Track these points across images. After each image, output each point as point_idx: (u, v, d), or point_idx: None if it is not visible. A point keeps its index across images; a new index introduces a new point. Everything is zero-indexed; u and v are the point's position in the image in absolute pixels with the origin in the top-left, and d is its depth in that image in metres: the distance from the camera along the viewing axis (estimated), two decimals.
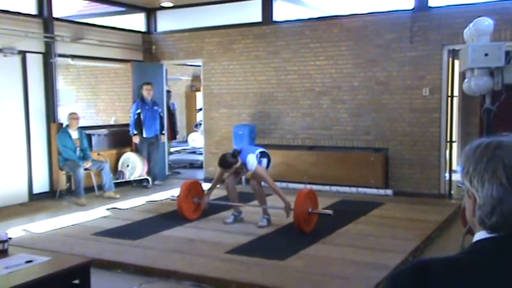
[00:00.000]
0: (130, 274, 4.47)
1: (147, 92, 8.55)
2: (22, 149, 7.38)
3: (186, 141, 14.25)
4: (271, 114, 8.56)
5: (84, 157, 7.55)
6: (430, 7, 7.36)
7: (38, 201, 7.37)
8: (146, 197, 7.62)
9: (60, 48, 7.83)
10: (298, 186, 8.02)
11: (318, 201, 5.75)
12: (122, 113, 10.16)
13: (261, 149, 6.00)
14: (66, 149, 7.42)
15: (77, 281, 3.41)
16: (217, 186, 6.13)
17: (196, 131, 13.61)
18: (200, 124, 11.38)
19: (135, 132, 8.48)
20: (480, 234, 1.08)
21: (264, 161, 5.85)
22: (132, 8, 9.54)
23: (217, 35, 8.92)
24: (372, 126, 7.77)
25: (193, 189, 6.18)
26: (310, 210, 5.51)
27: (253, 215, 6.14)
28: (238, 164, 5.70)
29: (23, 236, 5.50)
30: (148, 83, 8.63)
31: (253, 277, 4.19)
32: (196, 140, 13.02)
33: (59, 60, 7.84)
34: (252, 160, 5.68)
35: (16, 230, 5.67)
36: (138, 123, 8.49)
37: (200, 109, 11.56)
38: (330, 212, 5.71)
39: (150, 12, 9.62)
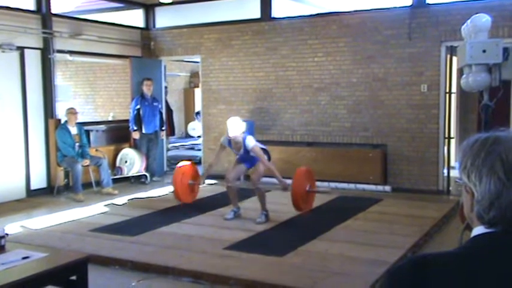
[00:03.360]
0: (128, 270, 4.47)
1: (147, 88, 8.53)
2: (20, 145, 7.36)
3: (185, 137, 14.24)
4: (270, 111, 8.55)
5: (83, 154, 7.53)
6: (428, 4, 7.35)
7: (35, 197, 7.35)
8: (144, 193, 7.61)
9: (58, 44, 7.81)
10: None
11: (315, 180, 5.74)
12: (120, 109, 10.15)
13: (262, 146, 5.99)
14: (65, 145, 7.40)
15: (74, 277, 3.41)
16: (216, 165, 6.14)
17: (196, 119, 13.52)
18: (199, 113, 11.36)
19: (135, 127, 8.46)
20: (478, 229, 1.08)
21: (265, 157, 5.84)
22: (131, 4, 9.51)
23: (215, 31, 8.89)
24: (371, 122, 7.77)
25: (187, 172, 6.18)
26: (307, 188, 5.53)
27: (252, 212, 6.14)
28: (240, 138, 5.65)
29: (20, 232, 5.49)
30: (148, 79, 8.62)
31: (251, 273, 4.19)
32: (197, 128, 12.93)
33: (57, 56, 7.82)
34: (251, 139, 5.69)
35: (13, 226, 5.66)
36: (138, 119, 8.48)
37: (198, 112, 11.53)
38: (328, 190, 5.77)
39: (149, 8, 9.59)
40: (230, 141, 5.81)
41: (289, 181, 5.64)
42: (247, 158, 5.87)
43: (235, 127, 5.62)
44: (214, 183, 8.30)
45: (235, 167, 6.00)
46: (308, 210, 5.60)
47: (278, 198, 6.67)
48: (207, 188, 8.01)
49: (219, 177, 8.37)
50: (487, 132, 1.10)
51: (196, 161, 10.49)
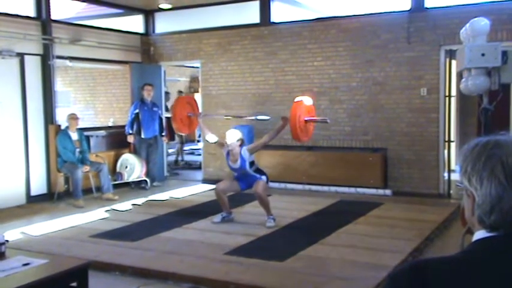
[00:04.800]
0: (129, 276, 4.46)
1: (147, 93, 8.54)
2: (20, 151, 7.36)
3: (185, 142, 14.28)
4: (270, 115, 8.54)
5: (83, 160, 7.53)
6: (426, 8, 7.37)
7: (35, 204, 7.34)
8: (145, 199, 7.60)
9: (58, 50, 7.82)
10: (296, 187, 8.03)
11: (314, 111, 5.91)
12: (120, 115, 10.16)
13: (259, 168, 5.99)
14: (66, 150, 7.40)
15: (74, 284, 3.40)
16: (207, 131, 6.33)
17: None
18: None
19: (131, 131, 8.46)
20: (479, 234, 1.08)
21: (264, 177, 5.84)
22: (131, 10, 9.53)
23: (215, 36, 8.91)
24: (370, 126, 7.77)
25: (187, 103, 6.40)
26: (306, 119, 5.63)
27: (251, 216, 6.14)
28: (237, 149, 5.71)
29: (20, 239, 5.48)
30: (149, 84, 8.63)
31: (252, 278, 4.18)
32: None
33: (57, 62, 7.83)
34: (246, 150, 5.73)
35: (14, 233, 5.64)
36: (137, 124, 8.48)
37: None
38: (327, 119, 5.93)
39: (148, 14, 9.62)
40: (229, 153, 5.82)
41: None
42: (243, 176, 5.86)
43: (233, 136, 5.71)
44: (213, 189, 8.29)
45: (230, 182, 6.00)
46: (307, 140, 5.84)
47: (278, 202, 6.67)
48: (207, 193, 8.01)
49: (217, 182, 8.35)
50: (487, 135, 1.10)
51: (196, 166, 10.53)
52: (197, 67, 9.69)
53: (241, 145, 5.76)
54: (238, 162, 5.76)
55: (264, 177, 5.83)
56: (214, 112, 9.01)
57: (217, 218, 5.99)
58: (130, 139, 8.50)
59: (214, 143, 6.25)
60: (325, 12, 8.81)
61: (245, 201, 6.87)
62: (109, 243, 5.27)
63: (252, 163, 5.81)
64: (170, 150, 11.41)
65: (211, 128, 9.05)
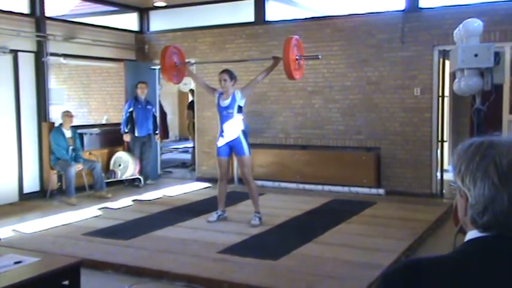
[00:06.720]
0: (122, 275, 4.44)
1: (141, 91, 8.52)
2: (13, 148, 7.32)
3: (179, 140, 14.27)
4: (264, 114, 8.56)
5: (76, 158, 7.50)
6: (420, 8, 7.40)
7: (28, 201, 7.30)
8: (138, 197, 7.58)
9: (52, 47, 7.78)
10: (290, 186, 8.05)
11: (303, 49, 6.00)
12: (114, 112, 10.12)
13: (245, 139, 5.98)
14: (59, 147, 7.37)
15: (66, 282, 3.39)
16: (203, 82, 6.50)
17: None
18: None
19: (126, 130, 8.44)
20: (472, 234, 1.08)
21: (246, 152, 5.86)
22: (125, 8, 9.49)
23: (210, 35, 8.90)
24: (364, 125, 7.80)
25: (174, 56, 6.29)
26: (297, 57, 5.66)
27: (245, 215, 6.14)
28: (230, 88, 5.83)
29: (12, 236, 5.45)
30: (143, 82, 8.61)
31: (245, 277, 4.18)
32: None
33: (51, 59, 7.79)
34: (239, 92, 5.86)
35: (6, 230, 5.62)
36: (131, 122, 8.46)
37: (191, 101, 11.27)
38: (318, 55, 6.05)
39: (143, 12, 9.59)
40: (220, 96, 5.89)
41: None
42: (229, 144, 5.83)
43: (227, 75, 5.84)
44: (207, 187, 8.30)
45: (221, 165, 5.99)
46: (299, 77, 5.93)
47: (271, 201, 6.69)
48: (200, 191, 8.01)
49: (211, 180, 8.38)
50: (480, 136, 1.11)
51: (190, 164, 10.52)
52: (192, 64, 9.64)
53: (233, 84, 5.91)
54: (229, 100, 5.84)
55: (246, 152, 5.82)
56: (208, 110, 9.00)
57: (213, 217, 5.97)
58: (127, 138, 8.49)
59: (205, 87, 6.31)
60: (320, 11, 8.83)
61: (238, 200, 6.88)
62: (102, 241, 5.25)
63: (240, 108, 5.87)
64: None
65: (207, 129, 9.05)
